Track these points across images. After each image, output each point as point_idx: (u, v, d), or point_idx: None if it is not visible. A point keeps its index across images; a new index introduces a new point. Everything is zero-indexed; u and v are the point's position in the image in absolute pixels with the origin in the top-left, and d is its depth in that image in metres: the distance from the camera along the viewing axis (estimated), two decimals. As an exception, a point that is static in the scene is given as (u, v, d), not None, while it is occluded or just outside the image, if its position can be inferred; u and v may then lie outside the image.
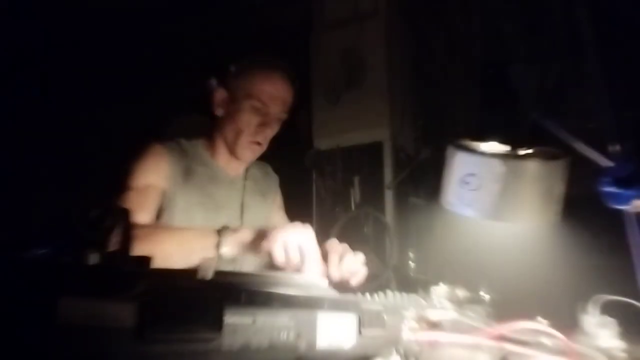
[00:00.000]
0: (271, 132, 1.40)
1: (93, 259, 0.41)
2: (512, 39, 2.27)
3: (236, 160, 1.45)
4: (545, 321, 0.78)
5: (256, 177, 1.54)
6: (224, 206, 1.40)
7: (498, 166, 1.03)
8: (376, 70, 2.52)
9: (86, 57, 3.35)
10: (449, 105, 2.45)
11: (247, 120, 1.36)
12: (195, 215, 1.33)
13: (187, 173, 1.36)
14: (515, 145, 1.07)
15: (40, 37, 3.25)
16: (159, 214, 1.31)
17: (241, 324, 0.44)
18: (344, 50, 2.59)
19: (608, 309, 0.84)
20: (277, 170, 1.66)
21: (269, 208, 1.54)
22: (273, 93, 1.36)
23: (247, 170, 1.51)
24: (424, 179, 2.41)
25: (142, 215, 1.21)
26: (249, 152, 1.40)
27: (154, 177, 1.29)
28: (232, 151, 1.40)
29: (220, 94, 1.40)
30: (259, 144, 1.39)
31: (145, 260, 0.46)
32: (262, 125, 1.36)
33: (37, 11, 3.03)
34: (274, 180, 1.63)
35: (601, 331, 0.82)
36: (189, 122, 1.75)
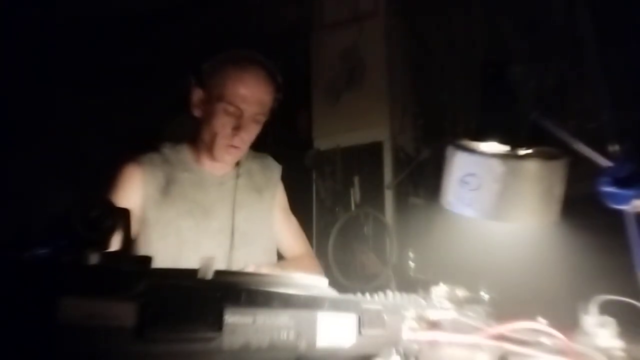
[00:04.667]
0: (248, 135, 1.33)
1: (93, 259, 0.41)
2: (512, 39, 2.27)
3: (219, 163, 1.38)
4: (545, 321, 0.78)
5: (251, 172, 1.45)
6: (213, 209, 1.35)
7: (498, 166, 1.03)
8: (376, 70, 2.52)
9: (87, 57, 3.35)
10: (449, 105, 2.45)
11: (221, 123, 1.29)
12: (183, 225, 1.29)
13: (170, 184, 1.32)
14: (515, 145, 1.07)
15: (41, 36, 3.25)
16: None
17: (241, 324, 0.44)
18: (344, 50, 2.59)
19: (608, 309, 0.84)
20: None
21: (267, 204, 1.45)
22: (246, 95, 1.28)
23: (240, 165, 1.42)
24: (424, 179, 2.41)
25: None
26: (227, 155, 1.33)
27: (125, 205, 1.28)
28: (210, 154, 1.35)
29: (196, 94, 1.33)
30: (235, 147, 1.33)
31: (145, 260, 0.46)
32: (237, 128, 1.29)
33: (45, 9, 3.04)
34: (274, 172, 1.51)
35: (601, 331, 0.82)
36: (186, 123, 1.74)
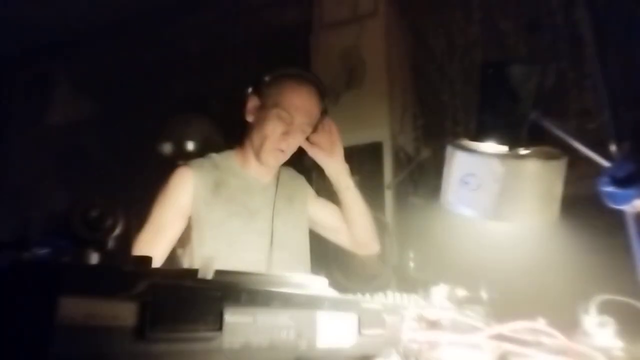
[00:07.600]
0: (294, 141, 1.48)
1: (93, 259, 0.41)
2: (512, 39, 2.27)
3: (264, 166, 1.51)
4: (545, 321, 0.78)
5: (285, 182, 1.60)
6: (257, 212, 1.48)
7: (497, 166, 1.03)
8: (376, 70, 2.52)
9: (87, 57, 3.35)
10: (449, 105, 2.45)
11: (272, 127, 1.43)
12: (233, 224, 1.42)
13: (219, 186, 1.45)
14: (515, 145, 1.07)
15: (41, 35, 3.25)
16: (185, 236, 1.40)
17: (241, 324, 0.44)
18: (344, 50, 2.59)
19: (608, 309, 0.84)
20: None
21: (298, 213, 1.59)
22: (299, 104, 1.45)
23: (277, 175, 1.58)
24: (424, 179, 2.41)
25: (153, 251, 1.32)
26: (272, 158, 1.47)
27: (176, 205, 1.39)
28: (258, 156, 1.48)
29: (252, 102, 1.49)
30: (282, 151, 1.46)
31: (146, 260, 0.46)
32: (286, 133, 1.44)
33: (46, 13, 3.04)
34: (301, 181, 1.69)
35: (601, 331, 0.82)
36: (185, 122, 1.73)
